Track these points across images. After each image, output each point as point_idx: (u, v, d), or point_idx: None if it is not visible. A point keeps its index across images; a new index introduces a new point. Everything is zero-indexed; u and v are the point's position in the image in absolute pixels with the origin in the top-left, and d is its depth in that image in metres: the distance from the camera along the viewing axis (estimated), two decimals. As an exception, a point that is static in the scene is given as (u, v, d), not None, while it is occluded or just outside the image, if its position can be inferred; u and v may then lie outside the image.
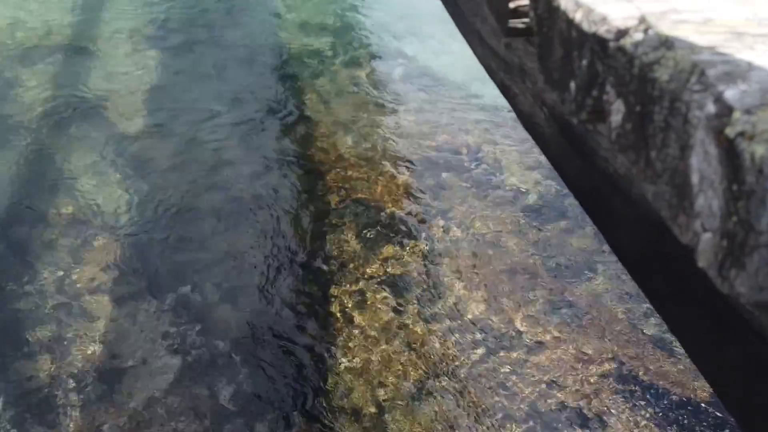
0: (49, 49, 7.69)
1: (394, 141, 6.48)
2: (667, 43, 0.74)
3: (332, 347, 4.54)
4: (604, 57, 0.85)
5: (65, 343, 4.50)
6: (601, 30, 0.86)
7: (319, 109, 6.92)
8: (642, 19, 0.81)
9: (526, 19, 1.20)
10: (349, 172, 6.01)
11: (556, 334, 4.67)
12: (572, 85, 0.95)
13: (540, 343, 4.61)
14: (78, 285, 4.90)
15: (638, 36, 0.79)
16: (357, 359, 4.45)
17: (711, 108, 0.64)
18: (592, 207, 1.47)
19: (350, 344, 4.54)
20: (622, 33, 0.82)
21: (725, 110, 0.62)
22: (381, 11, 8.83)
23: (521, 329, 4.70)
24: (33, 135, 6.39)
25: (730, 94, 0.63)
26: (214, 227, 5.44)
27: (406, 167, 6.13)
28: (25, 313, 4.68)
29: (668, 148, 0.71)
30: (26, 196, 5.67)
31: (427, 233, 5.44)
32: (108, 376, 4.31)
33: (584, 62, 0.91)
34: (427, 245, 5.32)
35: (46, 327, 4.59)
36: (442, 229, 5.47)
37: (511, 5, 1.20)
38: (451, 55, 7.52)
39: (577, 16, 0.93)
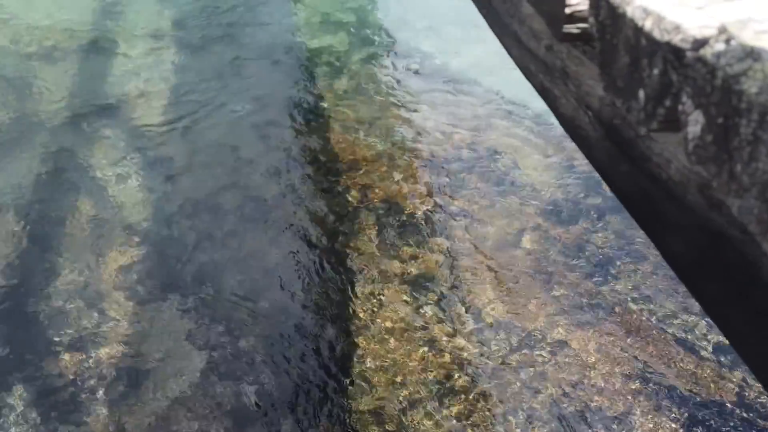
0: (69, 49, 7.73)
1: (413, 139, 6.47)
2: (753, 54, 0.73)
3: (354, 347, 4.54)
4: (680, 67, 0.84)
5: (89, 342, 4.52)
6: (676, 39, 0.85)
7: (338, 107, 6.92)
8: (722, 29, 0.79)
9: (582, 25, 1.19)
10: (369, 171, 6.01)
11: (579, 334, 4.65)
12: (641, 93, 0.94)
13: (563, 343, 4.59)
14: (101, 284, 4.92)
15: (720, 46, 0.78)
16: (379, 359, 4.45)
17: (809, 123, 0.63)
18: (641, 213, 1.46)
19: (372, 344, 4.54)
20: (700, 43, 0.81)
21: (825, 125, 0.61)
22: (399, 9, 8.82)
23: (543, 329, 4.69)
24: (54, 134, 6.42)
25: (829, 108, 0.62)
26: (235, 226, 5.45)
27: (426, 166, 6.12)
28: (49, 312, 4.70)
29: (757, 162, 0.69)
30: (48, 196, 5.70)
31: (447, 232, 5.43)
32: (132, 375, 4.33)
33: (655, 71, 0.90)
34: (447, 244, 5.31)
35: (70, 326, 4.61)
36: (462, 229, 5.45)
37: (567, 10, 1.19)
38: (470, 53, 7.50)
39: (647, 24, 0.92)
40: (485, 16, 2.40)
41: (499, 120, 6.73)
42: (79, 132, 6.45)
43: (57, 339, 4.52)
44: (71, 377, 4.30)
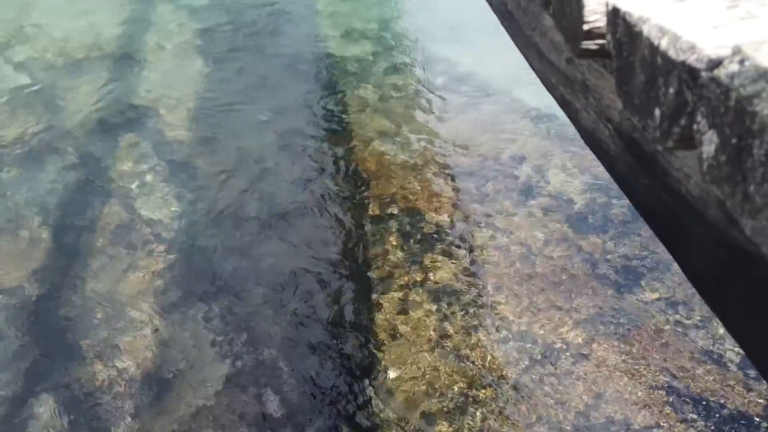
0: (98, 60, 7.86)
1: (437, 149, 6.48)
2: (766, 75, 0.73)
3: (377, 356, 4.54)
4: (695, 86, 0.84)
5: (115, 350, 4.58)
6: (691, 59, 0.86)
7: (363, 116, 6.95)
8: (737, 50, 0.79)
9: (600, 41, 1.19)
10: (393, 180, 6.02)
11: (603, 344, 4.61)
12: (657, 112, 0.95)
13: (587, 353, 4.56)
14: (127, 292, 4.98)
15: (734, 67, 0.78)
16: (402, 368, 4.45)
17: (821, 146, 0.63)
18: (663, 227, 1.45)
19: (395, 353, 4.55)
20: (715, 63, 0.81)
21: (837, 149, 0.61)
22: (424, 19, 8.84)
23: (567, 339, 4.66)
24: (82, 143, 6.53)
25: (841, 132, 0.62)
26: (259, 235, 5.49)
27: (450, 175, 6.13)
28: (76, 320, 4.77)
29: (770, 183, 0.70)
30: (75, 204, 5.79)
31: (471, 241, 5.42)
32: (157, 383, 4.38)
33: (671, 90, 0.90)
34: (471, 253, 5.30)
35: (97, 334, 4.68)
36: (486, 237, 5.44)
37: (585, 27, 1.19)
38: (495, 62, 7.49)
39: (663, 43, 0.92)
40: (507, 28, 2.40)
41: (524, 129, 6.71)
42: (105, 142, 6.55)
43: (84, 347, 4.58)
44: (98, 385, 4.36)
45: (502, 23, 2.46)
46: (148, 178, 6.07)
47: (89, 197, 5.86)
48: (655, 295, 4.93)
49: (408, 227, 5.53)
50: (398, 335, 4.66)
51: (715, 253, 1.20)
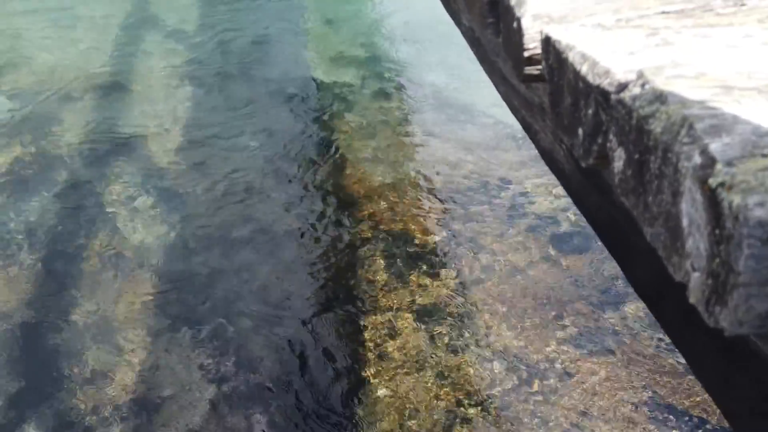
0: (87, 88, 7.96)
1: (423, 171, 6.57)
2: (661, 97, 0.82)
3: (364, 377, 4.59)
4: (607, 108, 0.93)
5: (103, 375, 4.61)
6: (604, 83, 0.94)
7: (350, 140, 7.05)
8: (640, 74, 0.88)
9: (539, 67, 1.28)
10: (380, 203, 6.10)
11: (588, 362, 4.67)
12: (580, 131, 1.03)
13: (572, 372, 4.61)
14: (115, 317, 5.03)
15: (636, 90, 0.86)
16: (389, 389, 4.50)
17: (697, 159, 0.71)
18: (610, 240, 1.53)
19: (382, 374, 4.59)
20: (622, 86, 0.90)
21: (709, 162, 0.69)
22: (412, 45, 8.97)
23: (552, 358, 4.71)
24: (72, 170, 6.60)
25: (714, 146, 0.70)
26: (248, 259, 5.55)
27: (436, 197, 6.21)
28: (64, 345, 4.81)
29: (662, 194, 0.78)
30: (65, 231, 5.85)
31: (456, 262, 5.49)
32: (145, 407, 4.41)
33: (590, 111, 0.98)
34: (456, 274, 5.37)
35: (85, 359, 4.72)
36: (471, 258, 5.51)
37: (526, 54, 1.28)
38: (481, 86, 7.60)
39: (584, 69, 1.00)
40: (476, 54, 2.50)
41: (509, 150, 6.81)
42: (95, 168, 6.63)
43: (72, 372, 4.62)
44: (86, 410, 4.39)
45: (471, 49, 2.55)
46: (138, 203, 6.14)
47: (78, 223, 5.92)
48: (640, 312, 4.99)
49: (395, 249, 5.59)
50: (385, 356, 4.71)
51: (653, 264, 1.27)
